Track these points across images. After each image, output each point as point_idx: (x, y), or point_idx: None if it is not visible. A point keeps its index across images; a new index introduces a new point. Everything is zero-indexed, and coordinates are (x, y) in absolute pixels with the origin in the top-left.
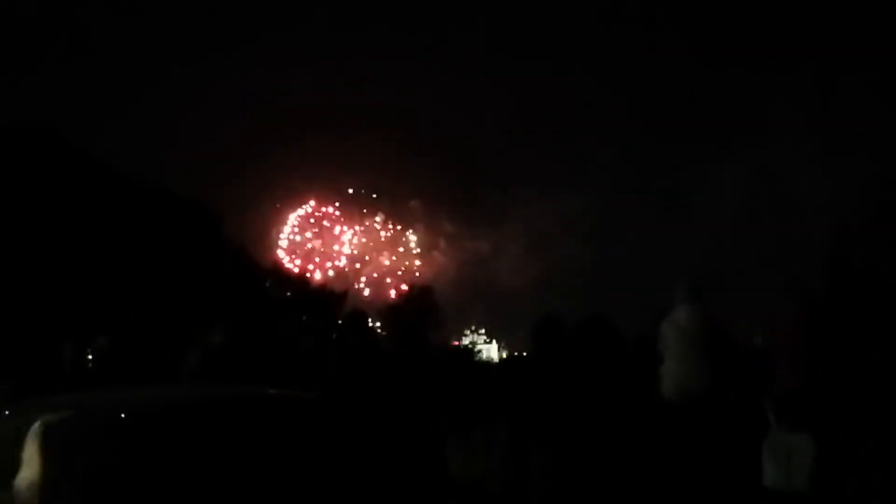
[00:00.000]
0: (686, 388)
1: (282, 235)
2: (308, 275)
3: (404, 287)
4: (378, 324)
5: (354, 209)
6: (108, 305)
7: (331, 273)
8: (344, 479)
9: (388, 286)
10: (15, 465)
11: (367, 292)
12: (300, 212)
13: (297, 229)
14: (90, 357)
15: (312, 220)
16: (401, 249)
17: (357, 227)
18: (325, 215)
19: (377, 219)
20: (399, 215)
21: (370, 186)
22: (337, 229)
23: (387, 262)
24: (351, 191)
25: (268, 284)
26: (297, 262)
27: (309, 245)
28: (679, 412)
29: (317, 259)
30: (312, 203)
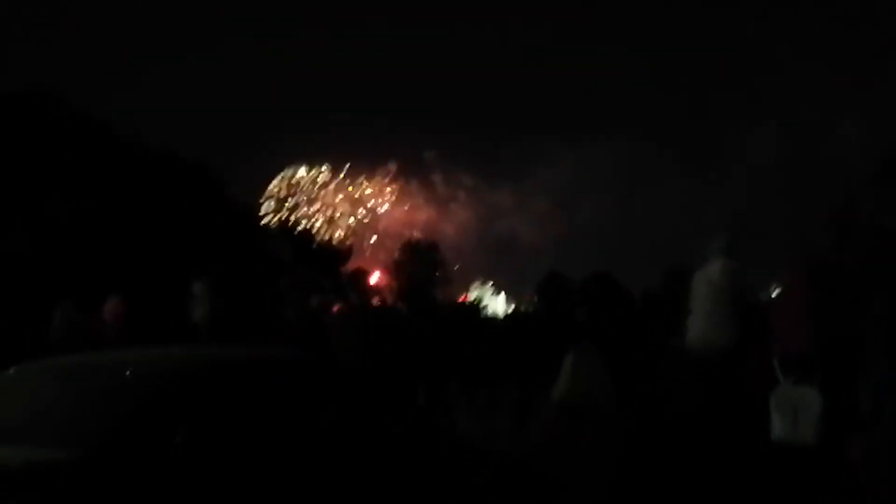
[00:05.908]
0: (709, 342)
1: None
2: (313, 230)
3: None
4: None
5: (364, 163)
6: (113, 269)
7: (339, 233)
8: (347, 437)
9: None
10: None
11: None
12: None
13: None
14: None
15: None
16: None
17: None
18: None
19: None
20: (414, 167)
21: (383, 139)
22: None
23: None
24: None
25: (275, 246)
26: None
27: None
28: (699, 363)
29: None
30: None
